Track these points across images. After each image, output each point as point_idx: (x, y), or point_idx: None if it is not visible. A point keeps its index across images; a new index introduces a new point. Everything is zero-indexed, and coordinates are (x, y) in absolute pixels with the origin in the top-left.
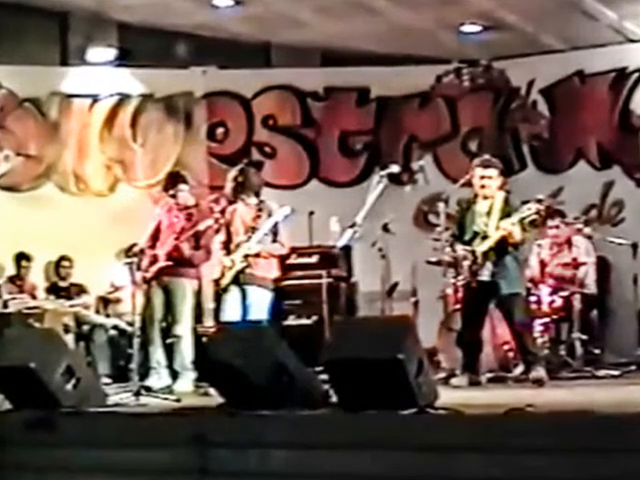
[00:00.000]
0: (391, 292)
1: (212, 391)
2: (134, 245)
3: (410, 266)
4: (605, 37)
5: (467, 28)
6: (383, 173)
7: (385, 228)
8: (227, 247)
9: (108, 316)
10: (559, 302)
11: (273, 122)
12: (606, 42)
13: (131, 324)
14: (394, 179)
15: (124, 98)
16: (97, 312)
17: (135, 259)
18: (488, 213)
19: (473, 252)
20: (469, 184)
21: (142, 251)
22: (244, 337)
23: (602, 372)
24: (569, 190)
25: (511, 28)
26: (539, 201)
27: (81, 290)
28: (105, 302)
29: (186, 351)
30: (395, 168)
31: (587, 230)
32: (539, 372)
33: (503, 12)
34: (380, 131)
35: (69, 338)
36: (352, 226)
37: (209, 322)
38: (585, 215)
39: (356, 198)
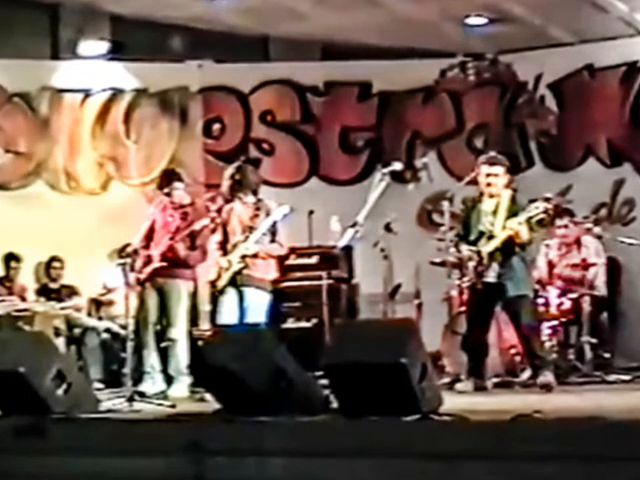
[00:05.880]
0: (394, 294)
1: (208, 396)
2: (127, 245)
3: (413, 267)
4: (615, 30)
5: (472, 20)
6: (385, 171)
7: (387, 228)
8: (224, 247)
9: (100, 319)
10: (568, 304)
11: (271, 118)
12: (617, 35)
13: (124, 327)
14: (397, 177)
15: (117, 93)
16: (89, 315)
17: (128, 260)
18: (494, 212)
19: (479, 252)
20: (474, 182)
21: (136, 252)
22: (241, 341)
23: (612, 377)
24: (578, 188)
25: (518, 20)
26: (547, 200)
27: (72, 292)
28: (97, 304)
29: (181, 355)
30: (398, 165)
31: (597, 230)
32: (547, 377)
33: (510, 4)
34: (382, 127)
35: (60, 342)
36: (353, 226)
37: (205, 325)
38: (595, 214)
39: (357, 196)
